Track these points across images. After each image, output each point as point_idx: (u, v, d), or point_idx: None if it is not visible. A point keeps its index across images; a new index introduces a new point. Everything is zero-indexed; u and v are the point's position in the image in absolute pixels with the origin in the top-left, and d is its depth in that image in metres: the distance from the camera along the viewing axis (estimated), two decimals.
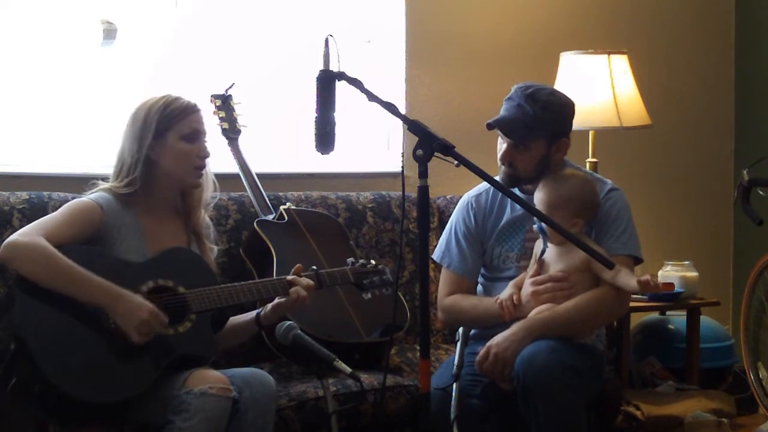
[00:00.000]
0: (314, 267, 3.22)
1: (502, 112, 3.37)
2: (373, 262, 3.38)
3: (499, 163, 3.38)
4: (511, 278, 3.38)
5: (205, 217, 3.32)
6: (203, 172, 3.19)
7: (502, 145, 3.38)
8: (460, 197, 4.11)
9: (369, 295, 3.32)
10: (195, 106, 3.18)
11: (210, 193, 3.27)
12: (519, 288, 3.30)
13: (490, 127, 3.35)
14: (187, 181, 3.17)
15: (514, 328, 3.20)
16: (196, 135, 3.15)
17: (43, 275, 2.87)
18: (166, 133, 3.11)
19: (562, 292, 3.24)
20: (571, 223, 3.22)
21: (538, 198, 3.29)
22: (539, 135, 3.32)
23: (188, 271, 3.09)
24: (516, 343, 3.15)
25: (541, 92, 3.34)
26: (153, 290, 2.98)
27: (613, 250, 3.28)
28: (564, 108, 3.39)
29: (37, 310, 2.85)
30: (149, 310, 2.88)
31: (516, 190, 3.42)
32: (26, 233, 2.94)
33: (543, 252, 3.31)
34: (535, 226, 3.30)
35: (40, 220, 3.03)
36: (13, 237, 2.92)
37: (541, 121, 3.31)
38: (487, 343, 3.19)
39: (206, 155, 3.17)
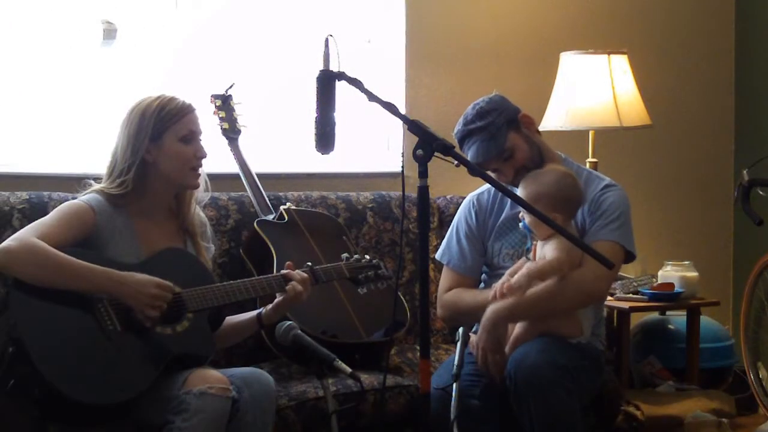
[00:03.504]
0: (309, 263, 3.23)
1: (470, 155, 3.38)
2: (367, 257, 3.38)
3: (515, 183, 3.38)
4: None
5: (201, 215, 3.31)
6: (200, 172, 3.19)
7: (495, 174, 3.40)
8: (460, 197, 4.12)
9: (364, 290, 3.33)
10: (190, 106, 3.17)
11: (202, 192, 3.27)
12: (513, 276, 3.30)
13: (477, 168, 3.34)
14: (186, 182, 3.17)
15: (485, 317, 3.23)
16: (192, 136, 3.14)
17: (43, 274, 2.87)
18: (162, 135, 3.10)
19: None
20: (550, 218, 3.20)
21: (518, 194, 3.29)
22: (503, 133, 3.36)
23: (184, 270, 3.08)
24: (490, 333, 3.20)
25: (468, 113, 3.42)
26: None
27: (599, 236, 3.29)
28: (491, 102, 3.43)
29: (35, 313, 2.84)
30: (155, 283, 2.90)
31: (514, 189, 3.44)
32: (18, 237, 2.93)
33: (529, 251, 3.32)
34: (521, 224, 3.30)
35: (32, 224, 3.03)
36: (6, 243, 2.91)
37: (492, 125, 3.36)
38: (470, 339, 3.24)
39: (203, 156, 3.17)
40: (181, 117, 3.12)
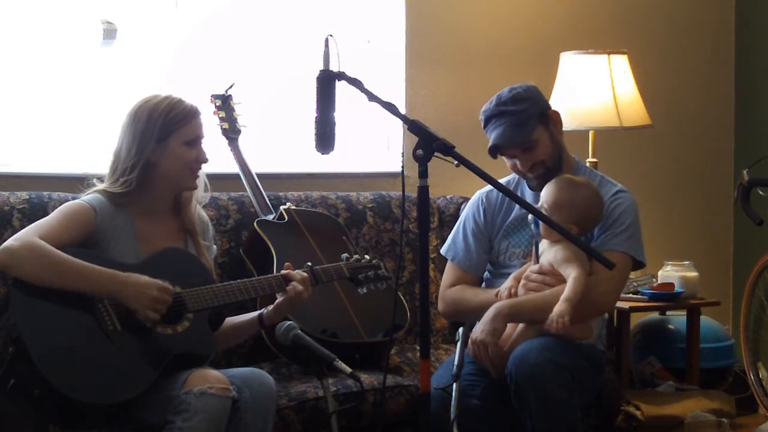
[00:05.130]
0: (309, 263, 3.23)
1: (494, 135, 3.38)
2: (367, 257, 3.39)
3: (528, 175, 3.40)
4: None
5: (202, 214, 3.31)
6: (199, 174, 3.19)
7: (512, 160, 3.40)
8: (461, 197, 4.12)
9: (365, 290, 3.33)
10: (197, 109, 3.17)
11: (201, 192, 3.27)
12: (518, 281, 3.31)
13: (493, 151, 3.36)
14: (184, 184, 3.17)
15: (487, 311, 3.23)
16: (197, 140, 3.15)
17: (45, 274, 2.87)
18: (168, 138, 3.10)
19: (551, 284, 3.25)
20: (567, 227, 3.21)
21: (547, 192, 3.30)
22: (532, 124, 3.36)
23: (184, 270, 3.09)
24: (488, 324, 3.20)
25: (502, 94, 3.40)
26: None
27: (608, 246, 3.28)
28: (528, 90, 3.42)
29: (35, 313, 2.85)
30: (158, 286, 2.91)
31: (524, 189, 3.44)
32: (20, 237, 2.93)
33: (537, 246, 3.33)
34: (530, 217, 3.30)
35: (33, 224, 3.03)
36: (7, 243, 2.91)
37: (523, 112, 3.35)
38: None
39: (205, 160, 3.17)
40: (188, 121, 3.12)
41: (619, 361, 4.14)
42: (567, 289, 3.17)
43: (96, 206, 3.08)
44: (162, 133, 3.09)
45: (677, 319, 4.50)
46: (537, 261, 3.31)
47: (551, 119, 3.42)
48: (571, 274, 3.20)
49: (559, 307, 3.14)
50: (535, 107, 3.38)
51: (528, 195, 3.47)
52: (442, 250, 3.60)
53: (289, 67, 4.37)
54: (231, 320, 3.22)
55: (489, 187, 3.53)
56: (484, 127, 3.42)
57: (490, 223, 3.51)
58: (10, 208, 3.53)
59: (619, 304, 4.13)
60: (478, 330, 3.22)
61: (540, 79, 3.87)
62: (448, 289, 3.51)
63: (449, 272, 3.54)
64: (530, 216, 3.29)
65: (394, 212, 4.11)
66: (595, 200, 3.32)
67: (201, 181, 3.24)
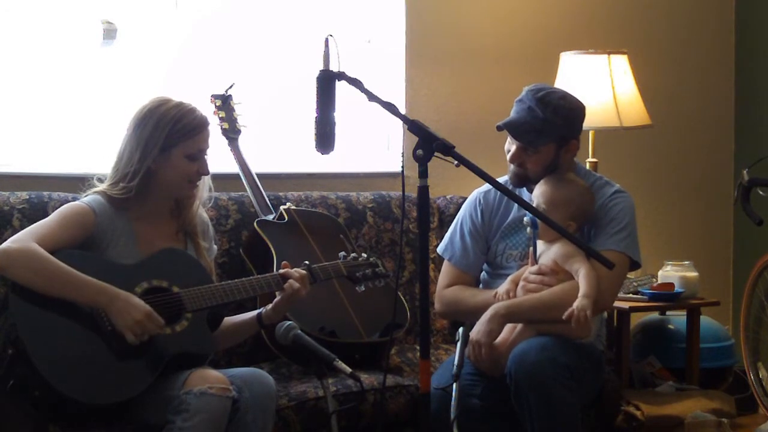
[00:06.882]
0: (306, 262, 3.23)
1: (513, 114, 3.38)
2: (365, 255, 3.39)
3: (508, 162, 3.40)
4: None
5: (203, 215, 3.30)
6: (198, 183, 3.18)
7: (510, 145, 3.39)
8: (460, 197, 4.12)
9: (362, 288, 3.33)
10: (206, 122, 3.13)
11: (205, 194, 3.26)
12: (516, 283, 3.31)
13: (500, 128, 3.36)
14: (181, 194, 3.16)
15: (485, 313, 3.23)
16: (199, 154, 3.13)
17: (38, 280, 2.87)
18: (171, 149, 3.08)
19: (550, 284, 3.25)
20: (565, 224, 3.23)
21: (539, 192, 3.30)
22: (549, 139, 3.33)
23: (182, 270, 3.08)
24: (484, 325, 3.21)
25: (552, 96, 3.35)
26: (148, 291, 2.97)
27: (605, 246, 3.28)
28: (574, 112, 3.39)
29: (34, 314, 2.84)
30: (145, 312, 2.88)
31: (522, 189, 3.44)
32: (18, 239, 2.93)
33: (535, 247, 3.33)
34: (526, 219, 3.29)
35: (32, 225, 3.02)
36: (5, 245, 2.91)
37: (551, 126, 3.32)
38: None
39: (205, 173, 3.15)
40: (195, 134, 3.10)
41: (619, 361, 4.14)
42: (583, 286, 3.19)
43: (95, 208, 3.07)
44: (166, 143, 3.07)
45: (677, 319, 4.50)
46: (535, 262, 3.31)
47: (568, 145, 3.39)
48: (581, 270, 3.21)
49: (580, 302, 3.15)
50: (563, 128, 3.34)
51: (525, 195, 3.46)
52: (439, 249, 3.60)
53: (289, 67, 4.37)
54: (230, 320, 3.22)
55: (486, 186, 3.54)
56: (519, 99, 3.39)
57: (487, 224, 3.51)
58: (10, 208, 3.53)
59: (620, 304, 4.14)
60: (474, 331, 3.22)
61: (540, 79, 3.88)
62: (445, 289, 3.50)
63: (446, 272, 3.54)
64: (525, 218, 3.29)
65: (394, 212, 4.11)
66: (587, 194, 3.34)
67: (205, 183, 3.23)
